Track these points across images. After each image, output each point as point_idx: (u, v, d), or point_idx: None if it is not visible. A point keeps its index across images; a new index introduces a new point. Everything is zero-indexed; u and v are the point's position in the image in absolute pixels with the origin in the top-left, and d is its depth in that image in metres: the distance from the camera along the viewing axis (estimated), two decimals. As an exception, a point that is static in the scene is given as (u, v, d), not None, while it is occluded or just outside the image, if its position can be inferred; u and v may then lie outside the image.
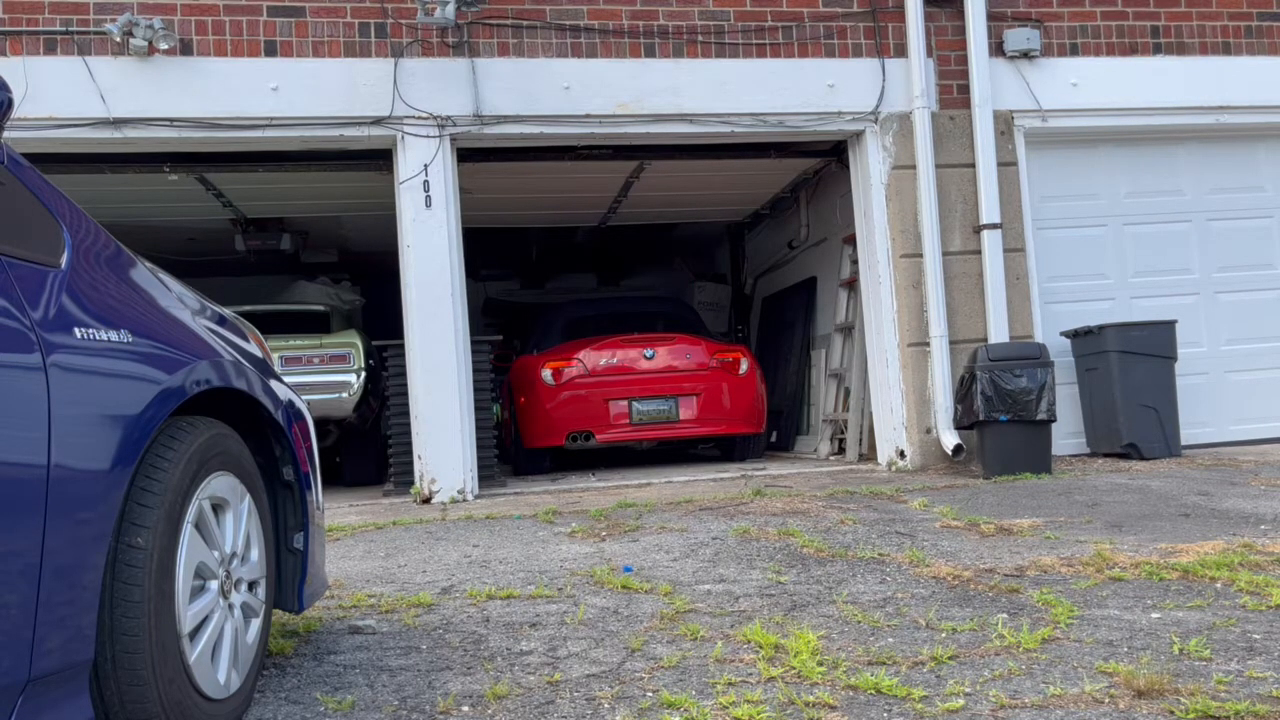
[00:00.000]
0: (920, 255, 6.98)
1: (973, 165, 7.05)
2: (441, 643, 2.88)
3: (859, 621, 2.92)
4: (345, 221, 10.10)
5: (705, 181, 9.13)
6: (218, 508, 2.23)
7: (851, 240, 7.78)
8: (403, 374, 6.73)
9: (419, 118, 6.52)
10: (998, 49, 7.17)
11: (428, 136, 6.53)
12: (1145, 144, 7.67)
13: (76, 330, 1.84)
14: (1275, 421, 7.63)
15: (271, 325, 7.97)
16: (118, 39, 6.08)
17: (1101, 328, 6.87)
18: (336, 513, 6.00)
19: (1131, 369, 6.75)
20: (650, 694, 2.35)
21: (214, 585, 2.16)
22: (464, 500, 6.42)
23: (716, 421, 8.07)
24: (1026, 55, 7.17)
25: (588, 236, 11.96)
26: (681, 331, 8.75)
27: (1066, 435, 7.12)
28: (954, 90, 7.13)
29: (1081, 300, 7.44)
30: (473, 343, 6.86)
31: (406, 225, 6.58)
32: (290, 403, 2.67)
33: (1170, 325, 6.89)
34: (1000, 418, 6.16)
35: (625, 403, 7.96)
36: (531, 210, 9.94)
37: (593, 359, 8.07)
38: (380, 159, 6.94)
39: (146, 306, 2.14)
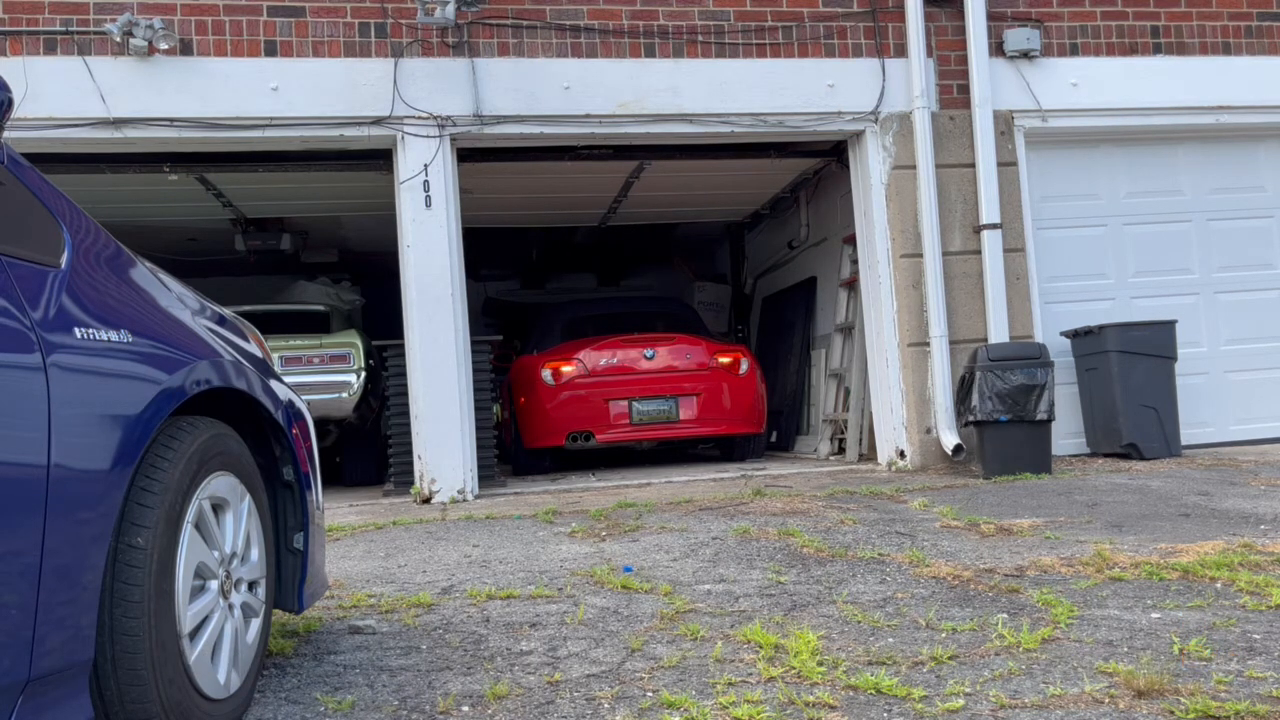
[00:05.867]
0: (920, 255, 6.98)
1: (973, 165, 7.05)
2: (441, 643, 2.88)
3: (859, 621, 2.92)
4: (345, 221, 10.10)
5: (705, 181, 9.13)
6: (218, 508, 2.23)
7: (851, 240, 7.78)
8: (403, 374, 6.73)
9: (419, 118, 6.52)
10: (998, 49, 7.17)
11: (428, 136, 6.53)
12: (1145, 144, 7.67)
13: (76, 330, 1.84)
14: (1275, 421, 7.63)
15: (271, 325, 7.97)
16: (118, 39, 6.08)
17: (1101, 328, 6.87)
18: (336, 513, 6.00)
19: (1131, 369, 6.74)
20: (650, 694, 2.35)
21: (214, 585, 2.16)
22: (464, 500, 6.42)
23: (717, 422, 8.07)
24: (1026, 55, 7.17)
25: (588, 236, 11.95)
26: (682, 331, 8.75)
27: (1066, 435, 7.12)
28: (954, 90, 7.13)
29: (1081, 300, 7.44)
30: (473, 343, 6.86)
31: (406, 225, 6.58)
32: (290, 403, 2.67)
33: (1170, 325, 6.89)
34: (1000, 417, 6.16)
35: (625, 403, 7.96)
36: (531, 210, 9.94)
37: (593, 359, 8.08)
38: (380, 159, 6.95)
39: (146, 306, 2.14)
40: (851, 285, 8.22)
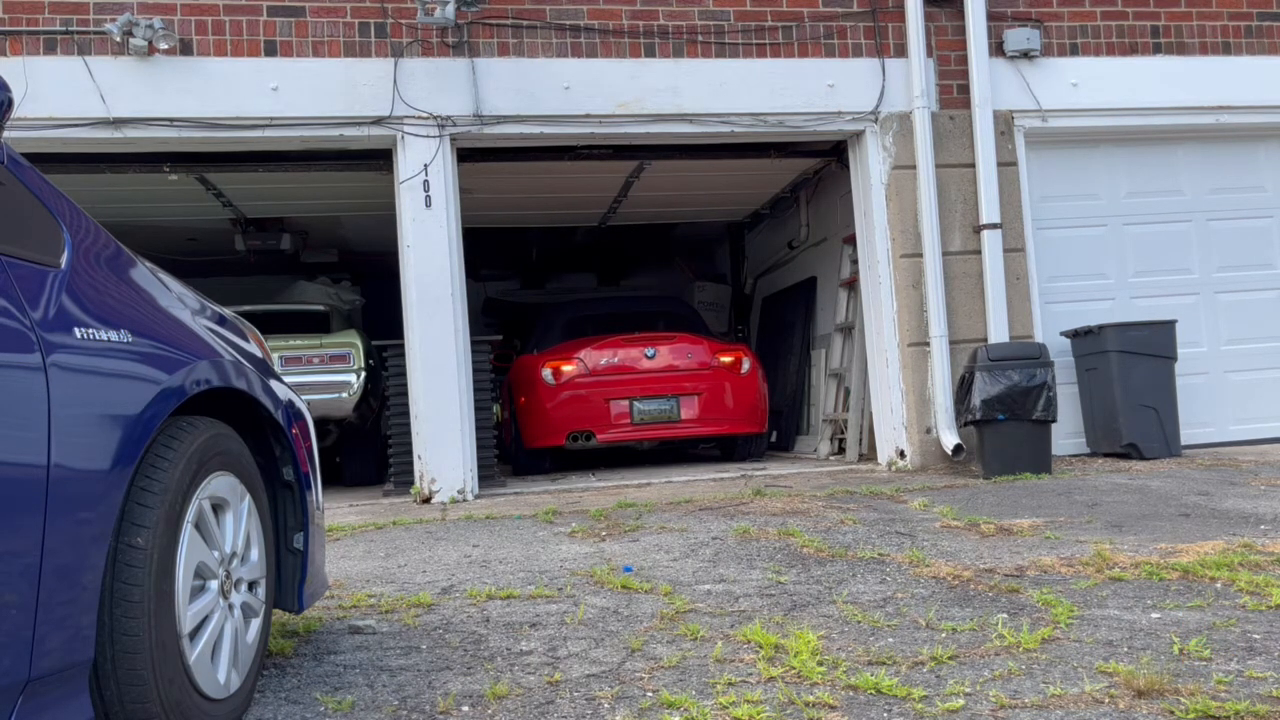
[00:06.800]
0: (920, 255, 6.98)
1: (973, 165, 7.05)
2: (441, 643, 2.88)
3: (859, 621, 2.92)
4: (345, 221, 10.10)
5: (705, 181, 9.13)
6: (218, 508, 2.23)
7: (851, 240, 7.78)
8: (403, 374, 6.73)
9: (419, 118, 6.52)
10: (998, 49, 7.17)
11: (428, 136, 6.53)
12: (1145, 144, 7.67)
13: (76, 330, 1.84)
14: (1275, 421, 7.63)
15: (271, 325, 7.97)
16: (118, 39, 6.08)
17: (1101, 328, 6.87)
18: (336, 513, 6.00)
19: (1131, 369, 6.75)
20: (650, 694, 2.35)
21: (214, 585, 2.16)
22: (464, 500, 6.42)
23: (718, 421, 8.05)
24: (1026, 55, 7.17)
25: (588, 236, 11.96)
26: (683, 331, 8.74)
27: (1066, 435, 7.12)
28: (954, 90, 7.13)
29: (1081, 300, 7.44)
30: (473, 343, 6.86)
31: (406, 225, 6.58)
32: (290, 403, 2.67)
33: (1170, 325, 6.89)
34: (1000, 417, 6.16)
35: (626, 402, 7.95)
36: (531, 210, 9.94)
37: (594, 358, 8.06)
38: (380, 159, 6.95)
39: (146, 306, 2.14)
40: (851, 285, 8.22)
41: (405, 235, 6.59)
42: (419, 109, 6.51)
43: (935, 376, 6.87)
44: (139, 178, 7.52)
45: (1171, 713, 2.09)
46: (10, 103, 1.97)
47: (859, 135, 7.19)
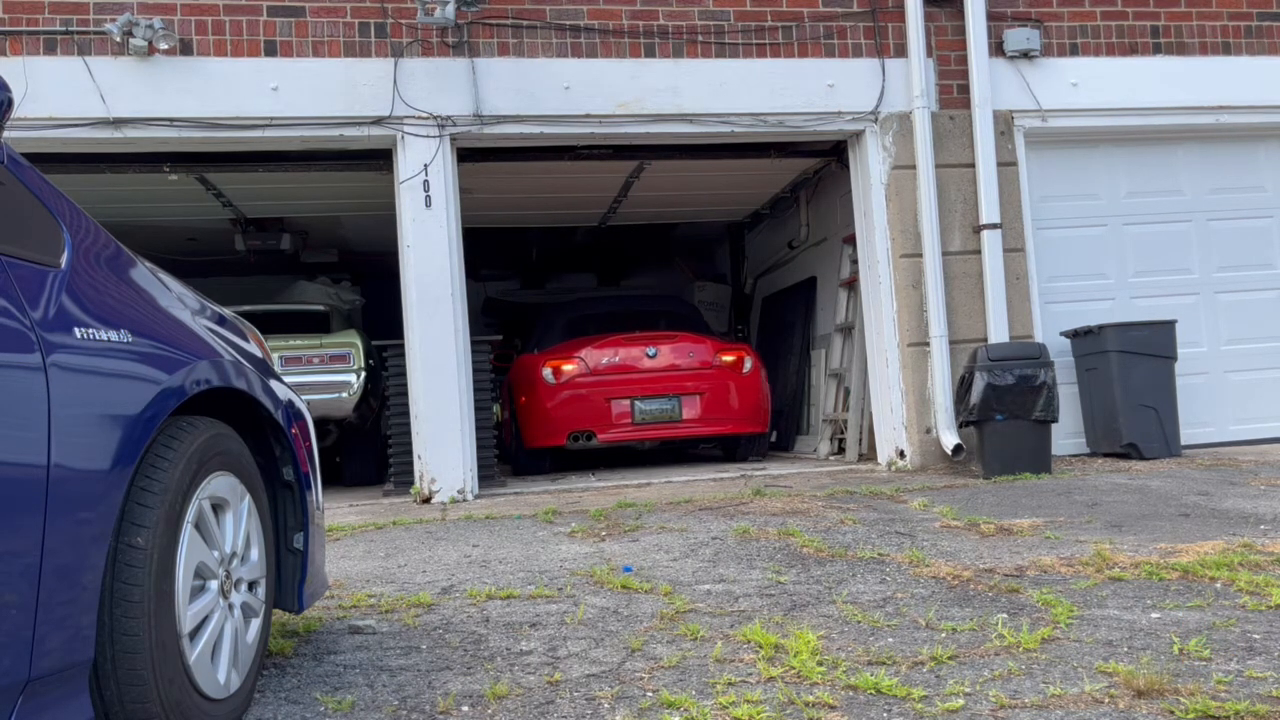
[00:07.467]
0: (920, 255, 6.98)
1: (973, 165, 7.05)
2: (441, 643, 2.88)
3: (859, 621, 2.92)
4: (345, 221, 10.10)
5: (705, 181, 9.13)
6: (218, 508, 2.23)
7: (851, 240, 7.78)
8: (403, 374, 6.73)
9: (419, 118, 6.52)
10: (998, 49, 7.17)
11: (428, 136, 6.53)
12: (1145, 144, 7.67)
13: (76, 330, 1.84)
14: (1275, 421, 7.63)
15: (271, 325, 7.97)
16: (118, 39, 6.09)
17: (1101, 328, 6.87)
18: (336, 513, 6.00)
19: (1131, 369, 6.75)
20: (650, 694, 2.36)
21: (214, 585, 2.16)
22: (464, 500, 6.42)
23: (720, 421, 8.03)
24: (1026, 55, 7.17)
25: (588, 236, 11.96)
26: (684, 330, 8.73)
27: (1066, 435, 7.12)
28: (954, 90, 7.13)
29: (1081, 300, 7.44)
30: (473, 343, 6.86)
31: (406, 225, 6.59)
32: (290, 403, 2.67)
33: (1170, 325, 6.89)
34: (1000, 417, 6.16)
35: (627, 402, 7.94)
36: (531, 210, 9.94)
37: (595, 357, 8.04)
38: (380, 159, 6.95)
39: (146, 306, 2.14)
40: (851, 285, 8.22)
41: (405, 235, 6.59)
42: (419, 109, 6.51)
43: (935, 376, 6.87)
44: (139, 178, 7.52)
45: (1171, 713, 2.09)
46: (10, 103, 1.97)
47: (859, 135, 7.19)
